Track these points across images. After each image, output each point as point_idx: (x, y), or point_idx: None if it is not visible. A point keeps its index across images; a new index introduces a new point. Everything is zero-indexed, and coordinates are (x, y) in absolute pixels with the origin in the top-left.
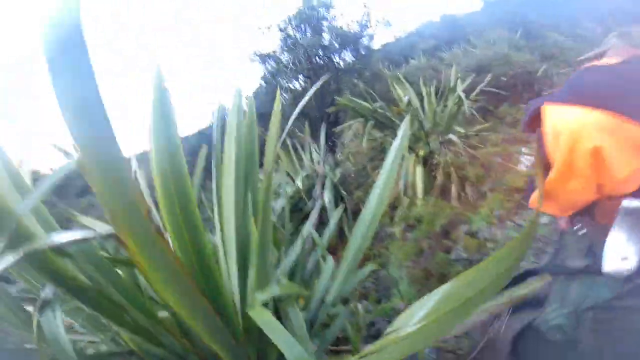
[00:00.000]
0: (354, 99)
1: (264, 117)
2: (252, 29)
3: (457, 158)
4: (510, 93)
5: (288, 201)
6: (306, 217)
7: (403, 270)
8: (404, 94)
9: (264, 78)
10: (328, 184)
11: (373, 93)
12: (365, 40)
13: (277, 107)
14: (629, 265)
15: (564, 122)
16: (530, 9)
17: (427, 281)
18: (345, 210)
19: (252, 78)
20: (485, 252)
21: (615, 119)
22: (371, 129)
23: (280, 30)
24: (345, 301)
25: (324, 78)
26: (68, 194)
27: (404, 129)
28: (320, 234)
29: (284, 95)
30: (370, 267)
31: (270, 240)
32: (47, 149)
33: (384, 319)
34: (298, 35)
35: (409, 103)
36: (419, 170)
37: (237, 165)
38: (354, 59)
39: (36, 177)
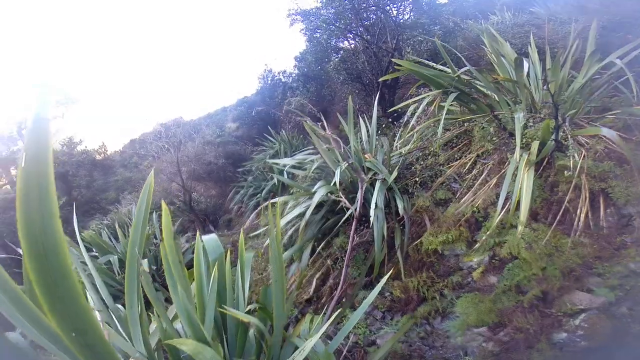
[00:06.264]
0: (426, 62)
1: (312, 81)
2: None
3: (597, 162)
4: None
5: (314, 209)
6: (342, 226)
7: (470, 338)
8: (499, 54)
9: (308, 39)
10: (379, 181)
11: (458, 54)
12: None
13: None
14: None
15: None
16: None
17: None
18: (398, 218)
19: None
20: (621, 342)
21: None
22: (450, 104)
23: None
24: None
25: None
26: None
27: None
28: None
29: (334, 55)
30: None
31: None
32: None
33: None
34: None
35: (518, 65)
36: (529, 177)
37: None
38: (413, 15)
39: None
